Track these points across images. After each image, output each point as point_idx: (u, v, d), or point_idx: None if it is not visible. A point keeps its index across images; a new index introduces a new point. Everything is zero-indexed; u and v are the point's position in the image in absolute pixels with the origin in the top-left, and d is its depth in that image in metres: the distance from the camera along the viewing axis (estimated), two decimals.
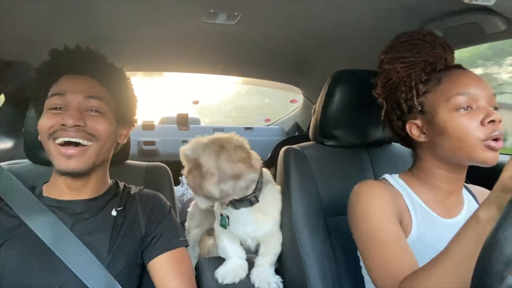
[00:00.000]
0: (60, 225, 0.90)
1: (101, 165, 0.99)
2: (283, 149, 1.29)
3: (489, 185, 0.61)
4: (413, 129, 0.93)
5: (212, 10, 1.20)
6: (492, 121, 0.82)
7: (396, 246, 0.81)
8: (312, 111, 1.38)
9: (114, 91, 0.99)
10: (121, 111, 1.01)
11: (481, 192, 1.04)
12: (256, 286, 1.12)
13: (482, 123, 0.82)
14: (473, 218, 0.63)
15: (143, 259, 0.99)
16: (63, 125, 0.88)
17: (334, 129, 1.27)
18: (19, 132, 1.21)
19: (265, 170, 1.19)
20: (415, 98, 0.91)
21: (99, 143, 0.93)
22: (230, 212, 1.13)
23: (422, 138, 0.92)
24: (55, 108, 0.91)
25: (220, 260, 1.21)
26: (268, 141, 2.66)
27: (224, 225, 1.14)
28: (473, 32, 1.14)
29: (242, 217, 1.12)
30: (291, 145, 1.29)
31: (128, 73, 1.07)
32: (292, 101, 2.96)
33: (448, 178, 0.92)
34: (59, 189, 0.96)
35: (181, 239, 1.02)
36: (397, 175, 1.00)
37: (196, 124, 3.06)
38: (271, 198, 1.16)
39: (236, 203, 1.10)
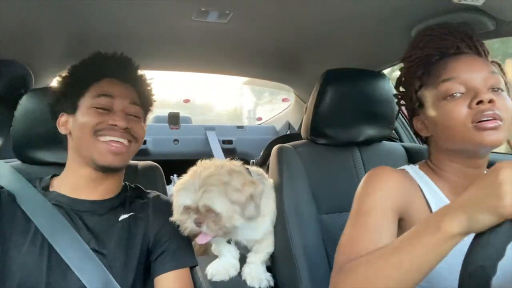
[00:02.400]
0: (63, 221, 0.90)
1: None
2: (275, 147, 1.29)
3: None
4: (418, 125, 0.93)
5: (203, 9, 1.20)
6: (480, 101, 0.76)
7: (372, 235, 0.76)
8: (304, 110, 1.39)
9: (145, 99, 1.08)
10: (146, 116, 1.11)
11: None
12: (248, 283, 1.12)
13: (469, 106, 0.77)
14: (440, 231, 0.57)
15: (150, 268, 0.99)
16: (114, 125, 0.94)
17: (326, 127, 1.28)
18: (7, 131, 1.19)
19: (255, 168, 1.20)
20: (413, 94, 0.92)
21: (137, 145, 1.01)
22: None
23: (424, 133, 0.92)
24: (102, 108, 0.96)
25: (213, 260, 1.20)
26: (259, 139, 2.66)
27: None
28: None
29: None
30: (283, 143, 1.30)
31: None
32: (283, 100, 2.97)
33: (462, 173, 0.87)
34: (74, 185, 0.98)
35: (192, 258, 1.03)
36: (417, 166, 0.95)
37: (187, 123, 3.04)
38: (266, 198, 1.14)
39: None
